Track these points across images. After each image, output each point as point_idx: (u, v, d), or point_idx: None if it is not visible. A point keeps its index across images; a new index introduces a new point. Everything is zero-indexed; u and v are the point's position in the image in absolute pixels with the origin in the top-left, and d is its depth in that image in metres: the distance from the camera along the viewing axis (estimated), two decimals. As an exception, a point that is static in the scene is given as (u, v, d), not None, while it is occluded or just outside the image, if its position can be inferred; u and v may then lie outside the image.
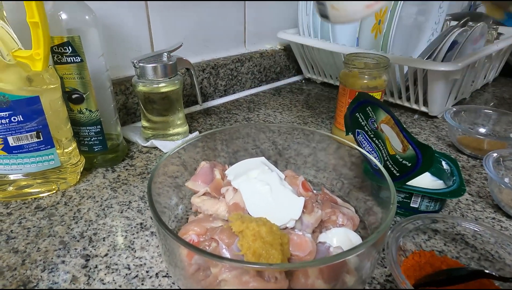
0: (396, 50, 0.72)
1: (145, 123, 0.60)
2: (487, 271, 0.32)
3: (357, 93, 0.41)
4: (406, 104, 0.74)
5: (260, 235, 0.29)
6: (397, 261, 0.31)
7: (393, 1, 0.67)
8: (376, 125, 0.40)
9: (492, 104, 0.81)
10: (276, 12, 0.87)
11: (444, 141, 0.64)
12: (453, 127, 0.59)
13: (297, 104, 0.79)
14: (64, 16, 0.43)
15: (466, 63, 0.62)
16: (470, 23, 0.79)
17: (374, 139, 0.41)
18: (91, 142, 0.51)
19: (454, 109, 0.63)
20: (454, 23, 0.85)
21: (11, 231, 0.41)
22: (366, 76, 0.54)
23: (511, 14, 1.08)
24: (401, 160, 0.38)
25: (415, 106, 0.73)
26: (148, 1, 0.64)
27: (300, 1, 0.80)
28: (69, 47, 0.44)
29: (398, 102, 0.75)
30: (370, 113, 0.40)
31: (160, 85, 0.56)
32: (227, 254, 0.30)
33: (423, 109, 0.72)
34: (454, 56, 0.64)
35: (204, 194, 0.40)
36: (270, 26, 0.87)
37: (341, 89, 0.58)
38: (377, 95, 0.54)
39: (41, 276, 0.35)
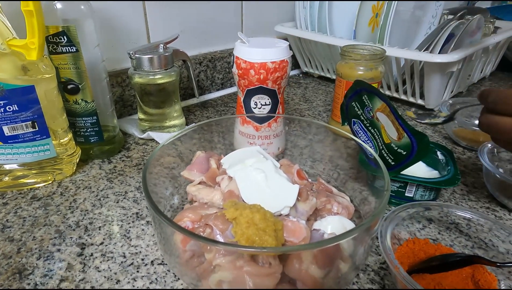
0: (394, 44, 0.72)
1: (141, 116, 0.60)
2: (479, 256, 0.32)
3: (354, 81, 0.41)
4: (403, 97, 0.74)
5: (253, 221, 0.29)
6: (391, 247, 0.31)
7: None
8: (372, 114, 0.40)
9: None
10: (274, 5, 0.87)
11: (440, 134, 0.64)
12: (449, 119, 0.59)
13: (294, 97, 0.79)
14: (59, 5, 0.43)
15: (463, 55, 0.62)
16: (467, 16, 0.78)
17: (370, 128, 0.41)
18: (87, 133, 0.51)
19: (450, 102, 0.63)
20: (451, 17, 0.84)
21: (7, 220, 0.41)
22: (362, 67, 0.54)
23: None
24: (396, 148, 0.38)
25: (412, 99, 0.73)
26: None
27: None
28: (64, 37, 0.44)
29: (395, 95, 0.75)
30: (366, 101, 0.40)
31: (156, 77, 0.55)
32: (221, 240, 0.30)
33: (420, 102, 0.72)
34: (451, 48, 0.64)
35: (199, 183, 0.40)
36: (267, 20, 0.87)
37: (337, 81, 0.58)
38: (373, 87, 0.54)
39: (36, 264, 0.35)
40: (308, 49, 0.85)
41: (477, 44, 0.68)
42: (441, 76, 0.64)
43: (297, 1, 0.80)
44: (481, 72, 0.86)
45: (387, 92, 0.76)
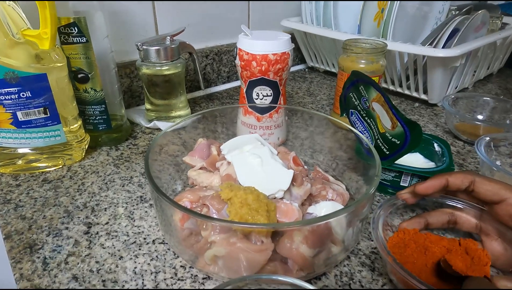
0: (401, 39, 0.72)
1: (148, 106, 0.62)
2: None
3: (351, 72, 0.42)
4: (407, 92, 0.75)
5: (247, 202, 0.31)
6: (383, 235, 0.32)
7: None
8: (368, 104, 0.41)
9: (501, 96, 0.81)
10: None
11: (442, 128, 0.64)
12: (451, 113, 0.59)
13: (298, 91, 0.81)
14: (70, -3, 0.45)
15: (465, 50, 0.62)
16: (474, 12, 0.78)
17: (366, 118, 0.42)
18: (95, 121, 0.53)
19: (453, 97, 0.64)
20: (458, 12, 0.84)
21: (19, 200, 0.43)
22: (363, 61, 0.55)
23: None
24: (390, 137, 0.39)
25: (415, 94, 0.74)
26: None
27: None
28: (75, 28, 0.46)
29: (399, 90, 0.76)
30: (362, 92, 0.41)
31: (163, 68, 0.57)
32: (217, 219, 0.31)
33: (423, 97, 0.72)
34: (454, 43, 0.64)
35: (200, 169, 0.41)
36: (273, 14, 0.88)
37: (339, 74, 0.59)
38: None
39: (46, 240, 0.37)
40: (314, 43, 0.86)
41: (481, 40, 0.68)
42: (443, 71, 0.65)
43: (303, -4, 0.81)
44: (488, 68, 0.86)
45: (391, 87, 0.77)
